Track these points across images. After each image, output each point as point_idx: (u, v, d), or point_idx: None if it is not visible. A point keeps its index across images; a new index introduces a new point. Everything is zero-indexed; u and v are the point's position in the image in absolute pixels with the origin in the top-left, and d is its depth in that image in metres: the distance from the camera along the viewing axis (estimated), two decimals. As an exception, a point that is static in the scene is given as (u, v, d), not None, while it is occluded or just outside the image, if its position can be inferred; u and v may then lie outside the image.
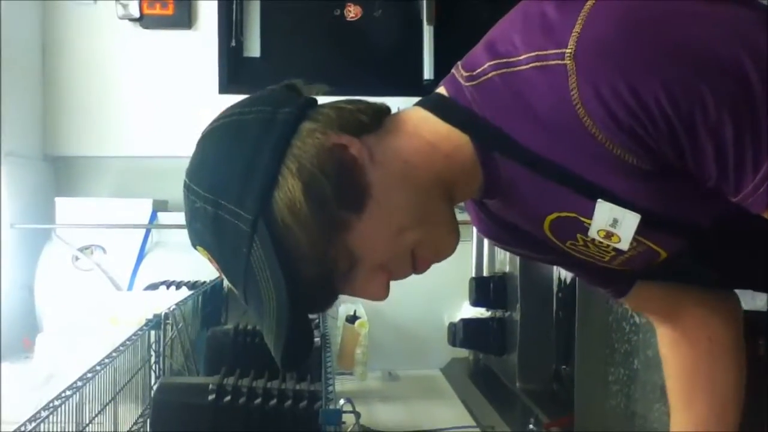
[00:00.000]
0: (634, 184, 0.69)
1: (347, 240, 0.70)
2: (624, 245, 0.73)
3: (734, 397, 0.96)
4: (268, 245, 0.67)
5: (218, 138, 0.72)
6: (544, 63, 0.64)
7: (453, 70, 0.75)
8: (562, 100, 0.64)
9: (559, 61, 0.63)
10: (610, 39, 0.63)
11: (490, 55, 0.69)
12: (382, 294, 0.74)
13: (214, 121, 0.75)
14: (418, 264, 0.75)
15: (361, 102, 0.76)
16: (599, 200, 0.70)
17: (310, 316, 0.80)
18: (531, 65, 0.65)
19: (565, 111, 0.64)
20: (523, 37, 0.66)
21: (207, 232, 0.70)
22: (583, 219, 0.74)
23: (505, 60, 0.67)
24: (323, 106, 0.75)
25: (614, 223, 0.71)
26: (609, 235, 0.73)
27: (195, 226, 0.71)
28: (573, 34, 0.63)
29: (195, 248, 0.73)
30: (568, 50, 0.63)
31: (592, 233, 0.74)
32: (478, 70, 0.70)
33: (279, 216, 0.67)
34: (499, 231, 0.88)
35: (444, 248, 0.76)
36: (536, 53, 0.65)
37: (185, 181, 0.72)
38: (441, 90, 0.76)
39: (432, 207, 0.73)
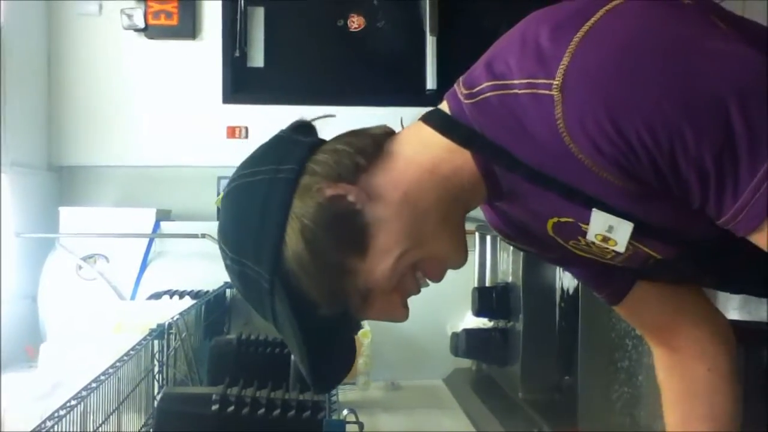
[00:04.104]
0: (622, 200, 0.72)
1: (355, 281, 0.76)
2: (621, 248, 0.77)
3: (732, 426, 0.96)
4: (284, 299, 0.75)
5: (233, 201, 0.80)
6: (535, 91, 0.67)
7: (455, 86, 0.78)
8: (551, 127, 0.67)
9: (547, 92, 0.66)
10: (594, 74, 0.65)
11: (487, 75, 0.72)
12: (402, 315, 0.80)
13: (231, 181, 0.82)
14: (428, 275, 0.80)
15: (361, 135, 0.79)
16: (594, 209, 0.74)
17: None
18: (524, 91, 0.68)
19: (553, 137, 0.68)
20: (518, 61, 0.69)
21: (239, 284, 0.80)
22: (581, 224, 0.77)
23: (501, 82, 0.70)
24: (324, 149, 0.78)
25: (610, 230, 0.75)
26: (606, 239, 0.77)
27: (231, 278, 0.81)
28: (560, 66, 0.66)
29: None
30: (555, 82, 0.66)
31: (590, 237, 0.78)
32: (477, 89, 0.73)
33: (290, 270, 0.75)
34: (508, 227, 0.93)
35: (450, 264, 0.80)
36: (528, 80, 0.68)
37: (218, 238, 0.82)
38: (443, 105, 0.79)
39: (433, 228, 0.77)
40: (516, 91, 0.69)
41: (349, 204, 0.75)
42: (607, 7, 0.68)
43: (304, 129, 0.82)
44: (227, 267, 0.80)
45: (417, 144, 0.78)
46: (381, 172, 0.77)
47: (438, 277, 0.80)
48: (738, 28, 0.72)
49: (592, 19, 0.67)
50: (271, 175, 0.77)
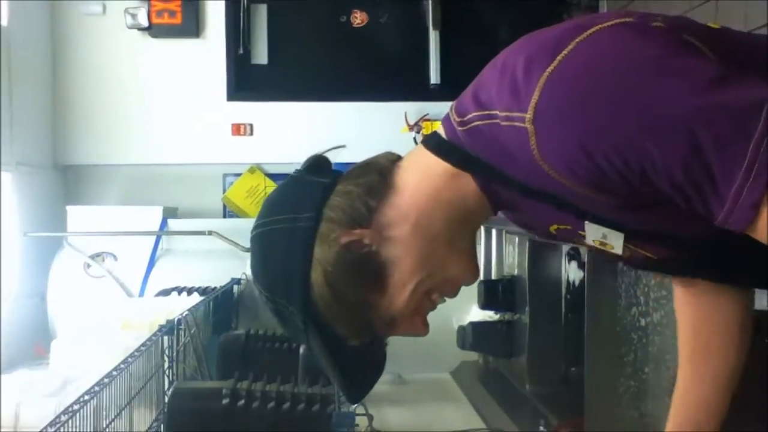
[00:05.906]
0: (607, 213, 0.78)
1: (378, 313, 0.84)
2: (618, 251, 0.83)
3: (735, 365, 1.04)
4: (316, 335, 0.85)
5: (259, 249, 0.88)
6: (513, 123, 0.74)
7: (448, 112, 0.85)
8: (529, 155, 0.73)
9: (521, 124, 0.73)
10: (561, 107, 0.71)
11: (475, 105, 0.79)
12: (424, 332, 0.89)
13: (254, 227, 0.89)
14: (444, 295, 0.88)
15: (370, 171, 0.86)
16: (587, 221, 0.80)
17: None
18: (505, 123, 0.75)
19: (533, 163, 0.74)
20: (498, 92, 0.76)
21: (277, 318, 0.88)
22: (579, 231, 0.84)
23: (486, 112, 0.77)
24: (337, 191, 0.85)
25: (604, 237, 0.82)
26: (603, 244, 0.83)
27: (272, 312, 0.89)
28: (531, 100, 0.72)
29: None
30: (527, 115, 0.72)
31: (589, 242, 0.84)
32: (467, 117, 0.80)
33: (320, 310, 0.84)
34: (517, 222, 0.99)
35: (463, 283, 0.88)
36: (506, 113, 0.74)
37: (252, 277, 0.90)
38: (440, 131, 0.86)
39: (443, 254, 0.85)
40: (498, 121, 0.75)
41: (365, 246, 0.82)
42: (578, 39, 0.73)
43: (317, 167, 0.88)
44: (265, 304, 0.88)
45: (421, 172, 0.85)
46: (390, 208, 0.83)
47: (453, 295, 0.88)
48: (715, 43, 0.75)
49: (562, 53, 0.72)
50: (290, 224, 0.85)
